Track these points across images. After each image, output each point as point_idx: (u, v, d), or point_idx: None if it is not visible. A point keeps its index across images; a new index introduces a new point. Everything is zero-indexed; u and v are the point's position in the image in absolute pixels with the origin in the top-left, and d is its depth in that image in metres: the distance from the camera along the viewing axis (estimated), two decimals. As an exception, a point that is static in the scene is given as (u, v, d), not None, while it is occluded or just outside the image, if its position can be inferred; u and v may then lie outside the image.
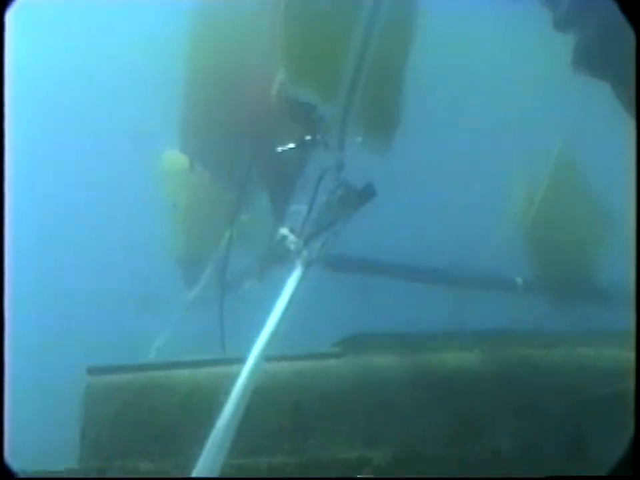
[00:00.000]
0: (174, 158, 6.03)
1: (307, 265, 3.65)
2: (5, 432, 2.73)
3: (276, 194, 5.01)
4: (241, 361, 3.33)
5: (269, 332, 3.39)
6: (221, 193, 5.68)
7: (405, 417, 3.50)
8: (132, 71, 8.76)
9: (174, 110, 5.26)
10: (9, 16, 2.97)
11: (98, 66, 9.06)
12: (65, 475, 3.27)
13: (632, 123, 3.12)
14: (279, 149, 4.09)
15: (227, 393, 3.23)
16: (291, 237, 3.87)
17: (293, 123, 4.12)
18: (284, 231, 3.97)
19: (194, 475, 3.10)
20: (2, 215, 2.98)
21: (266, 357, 3.33)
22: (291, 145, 4.07)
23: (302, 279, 3.60)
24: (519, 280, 6.16)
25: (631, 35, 2.86)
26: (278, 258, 5.02)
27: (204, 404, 3.35)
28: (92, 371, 3.42)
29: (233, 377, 3.27)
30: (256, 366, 3.29)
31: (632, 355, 2.84)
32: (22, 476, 2.97)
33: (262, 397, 3.29)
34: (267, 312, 3.43)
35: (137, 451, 3.30)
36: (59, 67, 9.13)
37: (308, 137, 4.02)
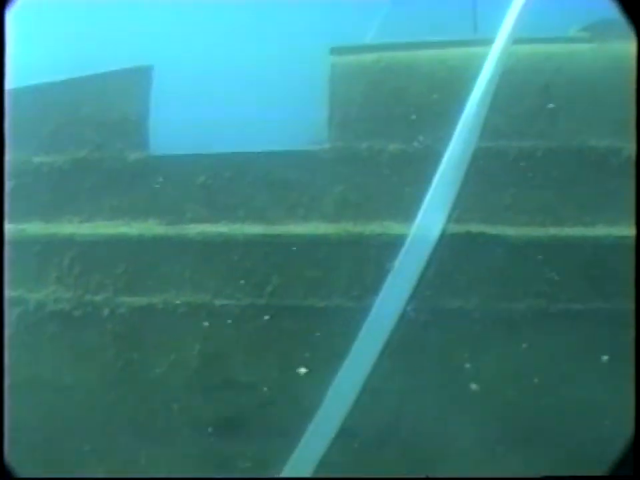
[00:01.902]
0: None
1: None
2: (4, 432, 2.71)
3: None
4: (489, 42, 3.11)
5: (515, 14, 3.14)
6: None
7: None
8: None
9: None
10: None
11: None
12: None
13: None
14: None
15: (474, 73, 3.05)
16: None
17: None
18: None
19: (447, 154, 3.03)
20: (2, 214, 2.95)
21: (514, 38, 3.10)
22: None
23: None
24: None
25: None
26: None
27: (451, 84, 3.20)
28: (335, 51, 3.30)
29: (481, 58, 3.07)
30: (504, 47, 3.08)
31: None
32: (22, 476, 2.95)
33: (511, 78, 3.10)
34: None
35: (385, 131, 3.24)
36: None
37: None
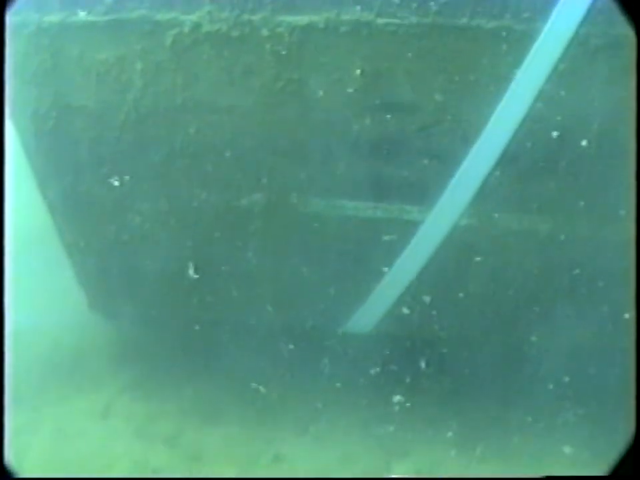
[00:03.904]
0: None
1: None
2: (4, 432, 2.65)
3: None
4: None
5: None
6: None
7: None
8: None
9: None
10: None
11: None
12: None
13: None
14: None
15: None
16: None
17: None
18: None
19: None
20: (2, 208, 2.88)
21: None
22: None
23: None
24: None
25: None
26: None
27: None
28: None
29: None
30: None
31: None
32: (22, 476, 2.90)
33: None
34: None
35: None
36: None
37: None
